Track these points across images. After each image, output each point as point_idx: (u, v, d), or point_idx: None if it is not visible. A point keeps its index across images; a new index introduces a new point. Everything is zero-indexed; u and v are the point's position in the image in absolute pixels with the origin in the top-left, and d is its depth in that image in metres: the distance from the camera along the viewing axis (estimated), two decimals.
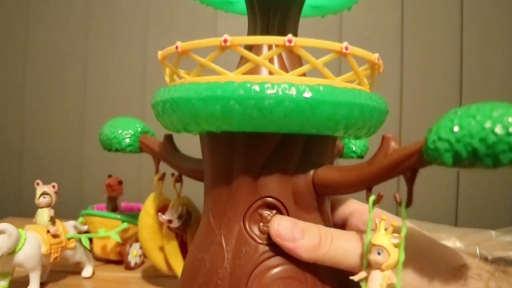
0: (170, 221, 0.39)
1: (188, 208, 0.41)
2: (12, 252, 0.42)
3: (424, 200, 0.82)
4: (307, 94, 0.27)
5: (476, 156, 0.22)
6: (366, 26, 0.85)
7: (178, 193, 0.41)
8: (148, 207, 0.42)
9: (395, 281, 0.26)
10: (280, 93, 0.26)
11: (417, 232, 0.32)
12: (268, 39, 0.28)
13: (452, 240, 0.52)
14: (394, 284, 0.26)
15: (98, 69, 0.89)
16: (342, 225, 0.35)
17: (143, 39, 0.87)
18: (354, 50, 0.29)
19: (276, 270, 0.30)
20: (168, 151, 0.40)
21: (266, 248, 0.30)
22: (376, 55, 0.31)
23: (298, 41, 0.27)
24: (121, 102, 0.86)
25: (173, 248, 0.42)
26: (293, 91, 0.27)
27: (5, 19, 0.90)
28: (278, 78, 0.27)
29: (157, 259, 0.43)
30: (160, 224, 0.42)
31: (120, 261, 0.56)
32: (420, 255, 0.29)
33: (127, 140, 0.41)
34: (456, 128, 0.22)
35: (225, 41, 0.28)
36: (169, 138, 0.40)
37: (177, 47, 0.30)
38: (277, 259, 0.30)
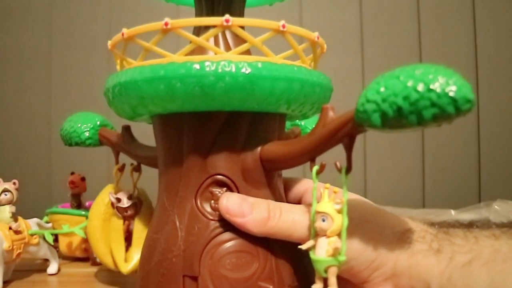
0: (119, 200, 0.40)
1: (140, 197, 0.42)
2: None
3: (391, 186, 0.84)
4: (246, 70, 0.28)
5: (401, 114, 0.23)
6: (326, 15, 0.88)
7: (134, 182, 0.42)
8: (103, 195, 0.43)
9: (340, 245, 0.27)
10: (220, 70, 0.28)
11: (363, 201, 0.33)
12: (206, 20, 0.29)
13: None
14: (339, 248, 0.26)
15: (63, 68, 0.90)
16: (298, 204, 0.36)
17: (106, 37, 0.88)
18: (292, 28, 0.30)
19: (228, 244, 0.31)
20: (126, 141, 0.41)
21: (218, 224, 0.31)
22: (316, 33, 0.32)
23: (235, 21, 0.29)
24: (86, 100, 0.86)
25: (116, 232, 0.41)
26: (232, 68, 0.28)
27: None
28: (218, 57, 0.28)
29: (102, 250, 0.43)
30: (112, 213, 0.42)
31: (86, 258, 0.56)
32: (366, 222, 0.30)
33: (87, 134, 0.42)
34: (382, 89, 0.23)
35: (166, 24, 0.29)
36: (126, 129, 0.41)
37: (123, 34, 0.31)
38: (228, 234, 0.31)
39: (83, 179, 0.58)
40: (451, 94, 0.22)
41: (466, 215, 0.56)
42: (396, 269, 0.28)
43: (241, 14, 0.36)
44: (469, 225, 0.31)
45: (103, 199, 0.42)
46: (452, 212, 0.59)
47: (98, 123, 0.43)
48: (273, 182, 0.33)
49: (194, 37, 0.29)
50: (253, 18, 0.29)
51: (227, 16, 0.28)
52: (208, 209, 0.31)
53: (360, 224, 0.29)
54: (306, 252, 0.33)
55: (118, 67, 0.35)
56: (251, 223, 0.30)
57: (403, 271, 0.28)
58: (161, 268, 0.31)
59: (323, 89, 0.32)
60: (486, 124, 0.88)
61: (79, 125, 0.42)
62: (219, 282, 0.30)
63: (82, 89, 0.88)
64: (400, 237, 0.29)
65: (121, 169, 0.42)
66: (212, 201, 0.32)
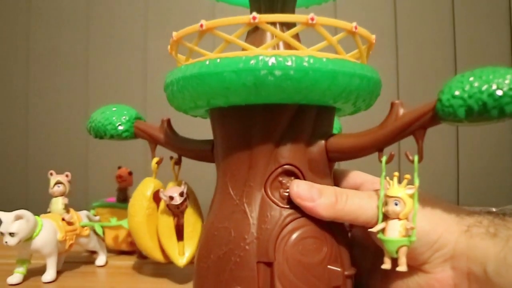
0: (171, 198, 0.40)
1: (187, 190, 0.42)
2: (29, 238, 0.43)
3: (426, 186, 0.85)
4: (329, 66, 0.30)
5: (486, 109, 0.26)
6: (361, 16, 0.89)
7: (176, 174, 0.42)
8: (144, 190, 0.42)
9: (414, 226, 0.29)
10: (307, 65, 0.29)
11: (423, 191, 0.36)
12: (294, 17, 0.31)
13: None
14: (414, 228, 0.29)
15: (100, 68, 0.91)
16: None
17: (143, 38, 0.90)
18: (361, 30, 0.33)
19: (300, 230, 0.32)
20: (168, 134, 0.41)
21: (289, 211, 0.32)
22: (374, 36, 0.35)
23: (319, 20, 0.31)
24: (123, 99, 0.86)
25: (168, 229, 0.41)
26: (316, 63, 0.30)
27: (7, 22, 0.92)
28: (302, 52, 0.30)
29: (149, 245, 0.43)
30: (156, 207, 0.42)
31: (131, 251, 0.57)
32: (428, 208, 0.32)
33: (122, 127, 0.42)
34: (467, 87, 0.27)
35: (254, 18, 0.30)
36: (167, 122, 0.41)
37: (201, 25, 0.31)
38: (299, 221, 0.32)
39: (130, 173, 0.58)
40: None
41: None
42: (455, 251, 0.31)
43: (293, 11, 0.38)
44: None
45: (144, 194, 0.42)
46: (493, 210, 0.61)
47: (133, 115, 0.43)
48: (332, 172, 0.36)
49: (280, 33, 0.31)
50: (330, 18, 0.31)
51: (312, 14, 0.30)
52: (278, 197, 0.33)
53: (423, 209, 0.32)
54: (354, 242, 0.35)
55: (180, 58, 0.35)
56: (320, 207, 0.32)
57: (461, 253, 0.30)
58: (233, 256, 0.32)
59: (380, 86, 0.35)
60: None
61: (114, 118, 0.42)
62: (295, 266, 0.31)
63: (118, 88, 0.90)
64: (459, 221, 0.32)
65: (160, 162, 0.42)
66: (281, 190, 0.33)
